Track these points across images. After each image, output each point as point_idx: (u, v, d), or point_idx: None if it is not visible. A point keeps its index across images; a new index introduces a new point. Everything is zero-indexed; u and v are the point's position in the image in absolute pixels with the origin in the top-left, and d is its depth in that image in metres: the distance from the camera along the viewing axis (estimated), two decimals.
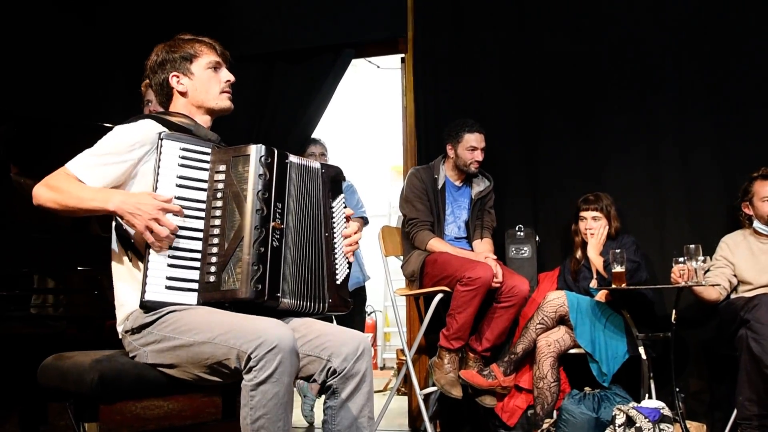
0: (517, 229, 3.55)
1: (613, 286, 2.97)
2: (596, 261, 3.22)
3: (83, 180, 1.76)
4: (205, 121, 1.99)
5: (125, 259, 1.84)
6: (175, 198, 1.78)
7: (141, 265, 1.77)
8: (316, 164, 2.01)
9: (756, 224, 3.10)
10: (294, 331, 1.85)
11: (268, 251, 1.80)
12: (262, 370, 1.60)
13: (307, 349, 1.82)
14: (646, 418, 2.69)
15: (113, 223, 1.85)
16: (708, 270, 3.05)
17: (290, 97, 4.03)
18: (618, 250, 2.98)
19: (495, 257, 3.26)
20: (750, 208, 3.12)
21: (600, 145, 3.59)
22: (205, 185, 1.83)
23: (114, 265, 1.87)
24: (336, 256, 1.98)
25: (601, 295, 3.21)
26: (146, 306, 1.74)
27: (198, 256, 1.78)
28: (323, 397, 1.85)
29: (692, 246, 2.85)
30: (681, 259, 2.88)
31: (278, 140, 3.89)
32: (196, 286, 1.77)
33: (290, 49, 4.06)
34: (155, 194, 1.75)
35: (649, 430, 2.68)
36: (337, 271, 1.97)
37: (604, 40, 3.61)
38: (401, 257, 3.54)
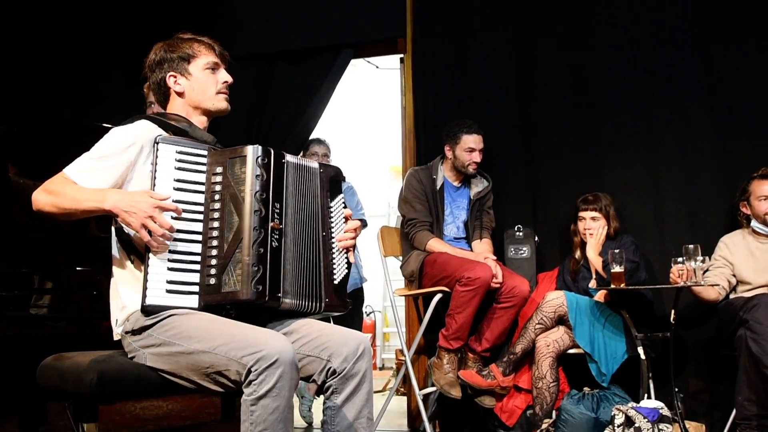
0: (516, 229, 3.55)
1: (612, 286, 2.98)
2: (595, 261, 3.22)
3: (81, 184, 1.75)
4: (201, 122, 1.98)
5: (127, 263, 1.83)
6: (173, 201, 1.77)
7: (143, 267, 1.76)
8: (314, 164, 2.01)
9: (753, 223, 3.10)
10: (294, 332, 1.85)
11: (268, 252, 1.79)
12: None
13: (307, 349, 1.81)
14: (645, 418, 2.69)
15: (113, 228, 1.84)
16: (707, 270, 3.05)
17: (290, 97, 4.03)
18: (617, 250, 2.98)
19: (494, 257, 3.25)
20: (747, 207, 3.13)
21: (599, 145, 3.59)
22: (202, 188, 1.82)
23: (115, 269, 1.86)
24: (334, 255, 1.97)
25: (600, 295, 3.21)
26: (147, 310, 1.73)
27: (197, 258, 1.78)
28: (321, 397, 1.84)
29: (691, 246, 2.85)
30: (680, 259, 2.88)
31: (277, 140, 3.90)
32: (196, 288, 1.77)
33: (290, 49, 4.06)
34: (151, 192, 1.74)
35: (648, 430, 2.68)
36: (334, 271, 1.96)
37: (603, 40, 3.61)
38: (400, 257, 3.54)
